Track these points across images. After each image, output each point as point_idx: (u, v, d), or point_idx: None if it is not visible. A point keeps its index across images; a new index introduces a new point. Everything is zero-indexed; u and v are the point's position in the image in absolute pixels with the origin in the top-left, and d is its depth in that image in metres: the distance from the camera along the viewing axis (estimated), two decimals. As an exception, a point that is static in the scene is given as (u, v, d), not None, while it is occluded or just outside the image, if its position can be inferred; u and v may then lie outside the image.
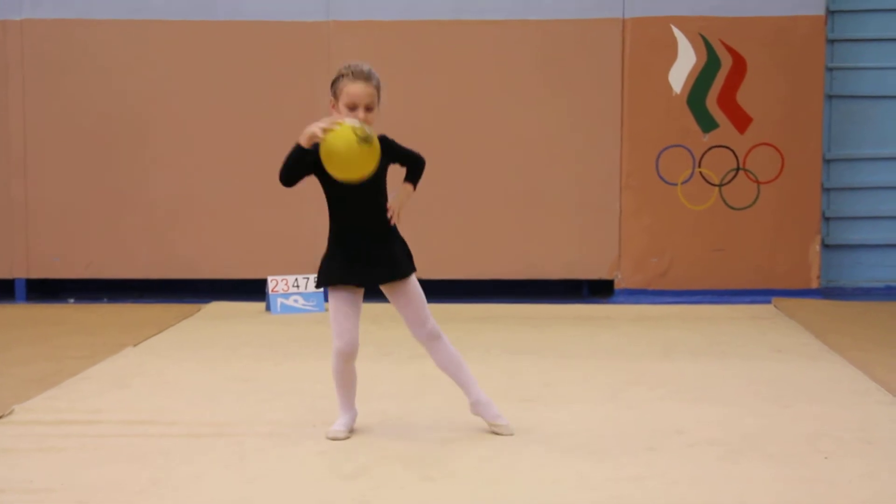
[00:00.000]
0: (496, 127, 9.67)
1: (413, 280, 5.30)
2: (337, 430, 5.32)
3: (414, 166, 5.40)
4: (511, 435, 5.29)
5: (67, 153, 9.71)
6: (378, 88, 5.18)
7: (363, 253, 5.17)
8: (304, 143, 5.00)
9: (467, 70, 9.67)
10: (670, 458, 4.96)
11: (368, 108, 5.14)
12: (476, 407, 5.40)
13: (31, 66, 9.66)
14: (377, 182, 5.20)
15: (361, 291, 5.27)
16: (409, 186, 5.37)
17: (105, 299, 9.82)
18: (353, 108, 5.13)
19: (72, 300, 9.78)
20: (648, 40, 9.59)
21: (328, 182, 5.15)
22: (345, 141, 4.91)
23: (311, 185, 9.47)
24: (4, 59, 9.66)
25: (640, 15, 9.57)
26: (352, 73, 5.15)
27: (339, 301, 5.21)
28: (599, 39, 9.61)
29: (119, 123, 9.70)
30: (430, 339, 5.30)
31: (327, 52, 9.55)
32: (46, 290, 10.03)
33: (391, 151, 5.26)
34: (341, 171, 4.99)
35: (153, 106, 9.69)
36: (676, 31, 9.58)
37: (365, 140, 4.91)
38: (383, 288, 5.29)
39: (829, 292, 9.89)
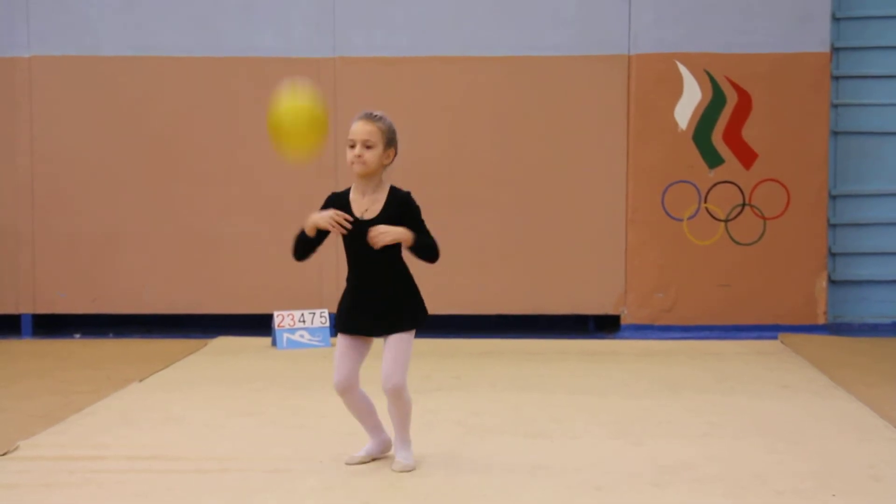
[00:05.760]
0: (502, 163, 9.69)
1: (405, 336, 5.28)
2: (354, 454, 5.47)
3: (424, 244, 5.22)
4: (409, 471, 5.28)
5: (74, 189, 9.74)
6: (386, 131, 5.17)
7: (366, 305, 5.25)
8: (308, 230, 5.18)
9: (474, 106, 9.69)
10: (676, 495, 4.94)
11: (367, 146, 5.15)
12: (395, 444, 5.45)
13: (38, 103, 9.71)
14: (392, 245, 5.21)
15: (364, 338, 5.35)
16: (410, 235, 5.18)
17: (111, 334, 9.82)
18: (351, 146, 5.19)
19: (78, 335, 9.77)
20: (654, 77, 9.62)
21: (343, 236, 5.22)
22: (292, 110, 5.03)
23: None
24: (13, 95, 9.71)
25: (646, 52, 9.61)
26: (360, 114, 5.25)
27: (341, 343, 5.36)
28: (605, 76, 9.64)
29: (125, 160, 9.72)
30: (390, 394, 5.29)
31: (333, 89, 9.58)
32: (52, 326, 10.03)
33: (410, 215, 5.22)
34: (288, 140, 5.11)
35: (160, 142, 9.72)
36: (682, 68, 9.61)
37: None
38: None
39: (835, 328, 9.87)
